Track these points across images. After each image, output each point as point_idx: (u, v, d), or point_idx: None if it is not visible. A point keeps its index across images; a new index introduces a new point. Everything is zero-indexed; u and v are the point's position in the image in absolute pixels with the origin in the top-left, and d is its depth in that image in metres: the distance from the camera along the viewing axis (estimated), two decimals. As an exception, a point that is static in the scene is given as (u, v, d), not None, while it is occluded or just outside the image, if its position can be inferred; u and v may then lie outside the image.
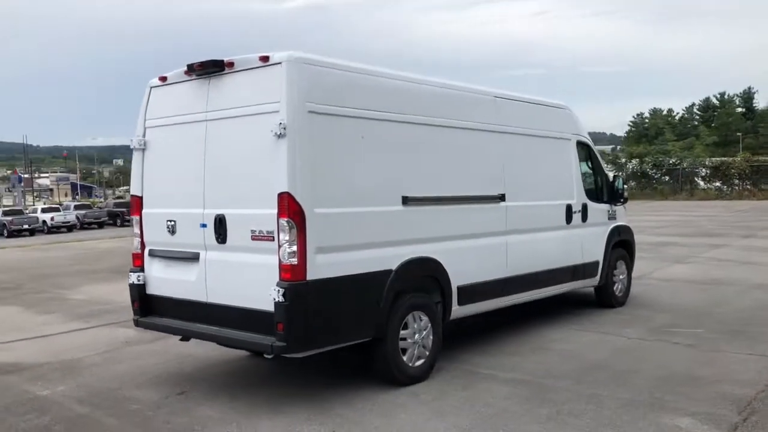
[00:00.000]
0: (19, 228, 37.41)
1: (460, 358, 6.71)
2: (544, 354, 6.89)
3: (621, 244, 9.26)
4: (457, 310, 6.53)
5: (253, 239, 5.26)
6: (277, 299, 4.98)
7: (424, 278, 6.18)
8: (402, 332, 5.87)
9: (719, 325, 7.90)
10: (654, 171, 49.65)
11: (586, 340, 7.37)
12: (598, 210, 8.74)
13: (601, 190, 9.01)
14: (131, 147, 6.30)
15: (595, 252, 8.63)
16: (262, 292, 5.06)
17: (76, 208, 44.73)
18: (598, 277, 8.72)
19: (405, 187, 5.91)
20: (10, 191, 79.04)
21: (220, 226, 5.52)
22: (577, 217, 8.24)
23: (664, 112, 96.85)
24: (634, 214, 15.19)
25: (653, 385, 5.70)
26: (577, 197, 8.32)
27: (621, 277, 9.21)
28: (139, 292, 6.18)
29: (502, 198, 7.06)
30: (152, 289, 6.16)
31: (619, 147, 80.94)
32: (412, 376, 5.93)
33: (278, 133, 4.99)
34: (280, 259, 5.02)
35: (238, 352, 6.79)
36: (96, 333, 8.67)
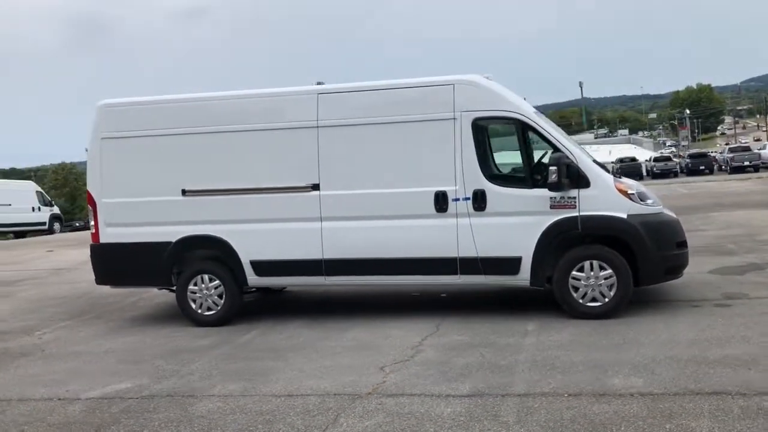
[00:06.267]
0: (740, 165, 42.31)
1: (285, 320, 8.16)
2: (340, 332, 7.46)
3: (600, 239, 7.30)
4: (257, 280, 8.08)
5: None
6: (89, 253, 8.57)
7: (209, 251, 8.15)
8: (191, 287, 8.18)
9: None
10: None
11: (402, 332, 7.24)
12: (517, 197, 7.34)
13: (541, 173, 7.36)
14: None
15: (512, 246, 7.32)
16: None
17: None
18: (523, 276, 7.36)
19: (185, 182, 8.04)
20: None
21: None
22: (459, 206, 7.36)
23: None
24: None
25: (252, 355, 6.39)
26: (464, 183, 7.36)
27: (592, 281, 7.19)
28: None
29: (315, 187, 7.73)
30: None
31: None
32: (200, 321, 8.17)
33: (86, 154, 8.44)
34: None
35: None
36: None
